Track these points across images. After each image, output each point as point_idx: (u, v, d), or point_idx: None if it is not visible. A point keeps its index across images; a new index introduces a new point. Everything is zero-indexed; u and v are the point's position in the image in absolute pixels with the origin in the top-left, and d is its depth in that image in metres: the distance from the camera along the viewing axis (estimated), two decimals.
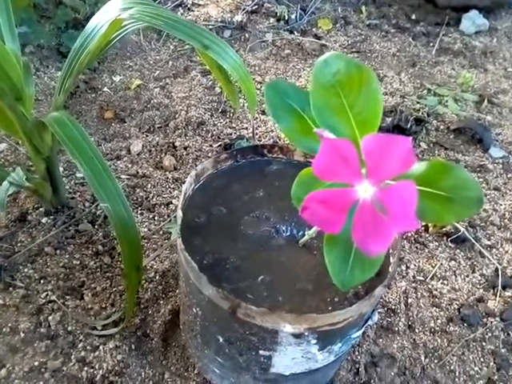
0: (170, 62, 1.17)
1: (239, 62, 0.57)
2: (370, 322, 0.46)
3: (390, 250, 0.48)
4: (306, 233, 0.46)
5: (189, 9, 1.33)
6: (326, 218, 0.26)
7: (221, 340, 0.46)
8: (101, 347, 0.62)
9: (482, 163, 0.97)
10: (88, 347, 0.62)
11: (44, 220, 0.77)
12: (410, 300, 0.72)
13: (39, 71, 1.09)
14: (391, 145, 0.24)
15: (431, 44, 1.33)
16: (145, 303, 0.67)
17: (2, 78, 0.51)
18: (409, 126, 1.01)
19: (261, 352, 0.44)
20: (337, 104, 0.28)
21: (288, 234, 0.50)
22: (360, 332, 0.47)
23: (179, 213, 0.46)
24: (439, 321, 0.71)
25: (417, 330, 0.69)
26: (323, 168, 0.25)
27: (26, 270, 0.70)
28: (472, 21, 1.39)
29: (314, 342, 0.42)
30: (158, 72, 1.13)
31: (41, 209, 0.78)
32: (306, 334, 0.40)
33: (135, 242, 0.59)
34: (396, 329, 0.69)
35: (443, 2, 1.43)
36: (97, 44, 0.59)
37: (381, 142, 0.24)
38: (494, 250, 0.81)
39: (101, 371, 0.59)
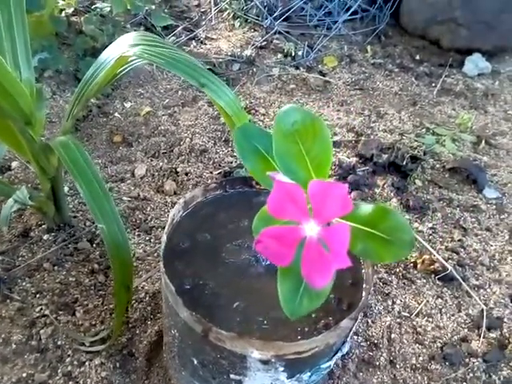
0: (180, 92, 1.22)
1: (233, 98, 0.62)
2: (339, 354, 0.48)
3: (364, 285, 0.50)
4: None
5: (202, 42, 1.41)
6: (276, 252, 0.29)
7: (195, 362, 0.48)
8: (87, 363, 0.64)
9: (476, 203, 0.98)
10: (75, 362, 0.64)
11: (45, 237, 0.81)
12: (393, 335, 0.73)
13: (56, 94, 1.15)
14: (330, 190, 0.27)
15: (433, 84, 1.37)
16: (133, 323, 0.70)
17: (12, 106, 0.55)
18: (404, 163, 1.03)
19: (232, 376, 0.46)
20: (295, 150, 0.32)
21: (268, 263, 0.52)
22: (330, 363, 0.48)
23: (163, 237, 0.49)
24: (421, 358, 0.71)
25: (398, 366, 0.70)
26: (275, 207, 0.28)
27: (23, 283, 0.73)
28: (475, 63, 1.43)
29: (282, 369, 0.44)
30: (167, 100, 1.19)
31: (44, 226, 0.82)
32: (273, 360, 0.42)
33: (127, 263, 0.62)
34: (377, 363, 0.70)
35: (447, 44, 1.48)
36: (104, 76, 0.64)
37: (322, 187, 0.27)
38: (482, 290, 0.82)
39: None
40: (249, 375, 0.45)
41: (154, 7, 1.42)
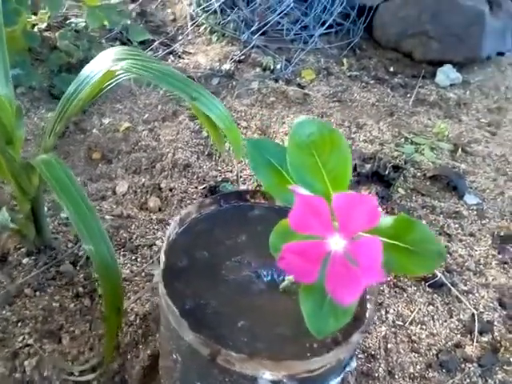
0: (159, 106, 1.20)
1: (225, 112, 0.61)
2: (348, 369, 0.47)
3: (368, 296, 0.49)
4: (286, 278, 0.47)
5: (179, 56, 1.40)
6: (301, 268, 0.27)
7: None
8: None
9: (458, 210, 1.00)
10: None
11: (25, 260, 0.76)
12: (389, 345, 0.73)
13: (30, 112, 1.11)
14: (358, 202, 0.26)
15: (408, 95, 1.40)
16: (124, 347, 0.66)
17: None
18: (387, 172, 1.05)
19: None
20: (311, 162, 0.31)
21: (269, 278, 0.51)
22: (339, 379, 0.47)
23: (162, 257, 0.47)
24: (418, 366, 0.71)
25: (396, 376, 0.69)
26: (298, 222, 0.27)
27: (3, 312, 0.69)
28: (446, 74, 1.48)
29: None
30: (147, 115, 1.17)
31: (23, 249, 0.78)
32: (285, 380, 0.41)
33: (117, 285, 0.59)
34: (376, 375, 0.69)
35: (419, 56, 1.53)
36: (89, 92, 0.62)
37: (349, 200, 0.26)
38: (471, 295, 0.83)
39: None
40: None
41: (129, 22, 1.40)
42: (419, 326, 0.77)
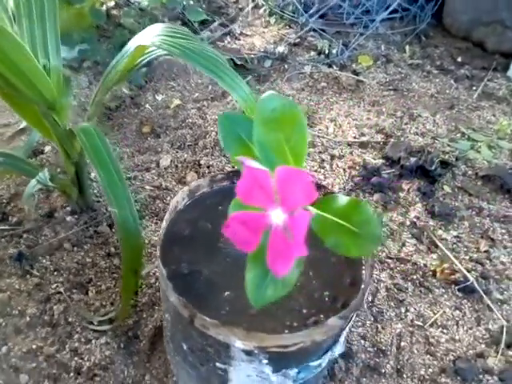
0: (210, 86, 1.24)
1: (248, 92, 0.62)
2: (330, 354, 0.47)
3: (362, 285, 0.48)
4: None
5: (236, 38, 1.42)
6: (243, 238, 0.28)
7: (185, 347, 0.48)
8: (93, 341, 0.66)
9: (508, 214, 0.92)
10: (82, 339, 0.67)
11: (69, 218, 0.84)
12: (403, 343, 0.71)
13: (92, 84, 1.20)
14: (295, 177, 0.26)
15: (474, 88, 1.30)
16: (141, 307, 0.72)
17: (31, 89, 0.58)
18: (433, 167, 0.99)
19: (218, 364, 0.46)
20: (275, 138, 0.31)
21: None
22: (320, 362, 0.47)
23: (163, 224, 0.50)
24: (431, 370, 0.68)
25: (405, 376, 0.67)
26: (244, 193, 0.28)
27: (44, 261, 0.77)
28: None
29: (266, 361, 0.43)
30: (197, 94, 1.21)
31: (68, 208, 0.86)
32: (256, 352, 0.42)
33: (137, 247, 0.64)
34: (383, 371, 0.67)
35: (493, 46, 1.40)
36: (124, 65, 0.66)
37: (287, 174, 0.26)
38: (505, 305, 0.77)
39: (88, 363, 0.64)
40: (234, 365, 0.45)
41: (191, 2, 1.44)
42: (440, 329, 0.73)
